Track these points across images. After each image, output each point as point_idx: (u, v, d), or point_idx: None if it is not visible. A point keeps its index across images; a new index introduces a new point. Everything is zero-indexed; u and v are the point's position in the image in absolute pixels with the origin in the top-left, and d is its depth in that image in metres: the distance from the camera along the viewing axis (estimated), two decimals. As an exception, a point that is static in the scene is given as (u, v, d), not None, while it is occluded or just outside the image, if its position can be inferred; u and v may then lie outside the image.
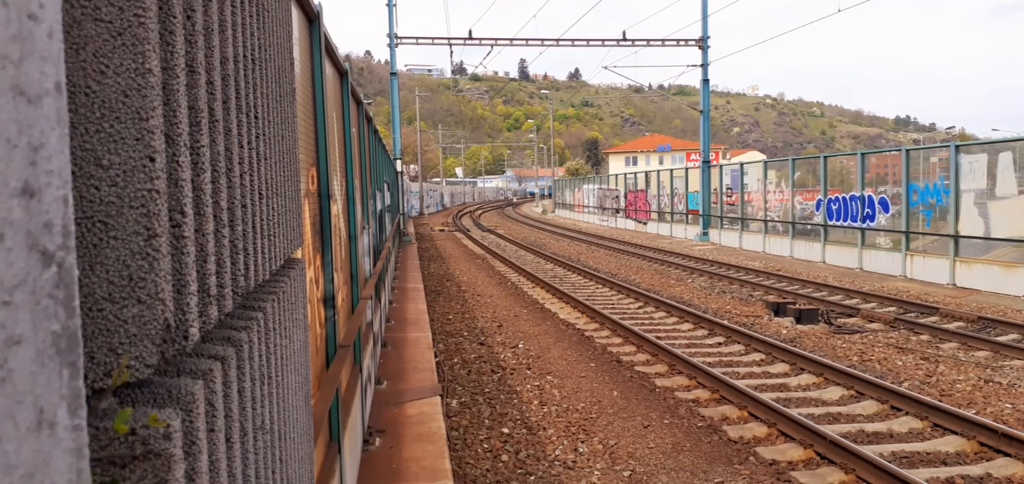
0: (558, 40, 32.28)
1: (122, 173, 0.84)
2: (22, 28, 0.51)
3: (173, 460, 0.81)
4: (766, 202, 24.92)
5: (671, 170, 34.34)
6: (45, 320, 0.52)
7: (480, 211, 67.13)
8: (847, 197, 20.40)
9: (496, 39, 31.47)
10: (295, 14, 3.47)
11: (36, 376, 0.51)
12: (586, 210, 49.54)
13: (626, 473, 6.36)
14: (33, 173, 0.52)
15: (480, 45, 31.83)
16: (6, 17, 0.49)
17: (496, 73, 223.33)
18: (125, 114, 0.84)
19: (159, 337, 0.85)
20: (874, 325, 12.21)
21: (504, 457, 6.71)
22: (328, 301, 4.30)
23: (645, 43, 31.65)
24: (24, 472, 0.49)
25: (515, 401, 8.37)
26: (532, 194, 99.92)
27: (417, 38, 31.58)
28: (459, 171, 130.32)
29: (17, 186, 0.50)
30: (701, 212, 29.72)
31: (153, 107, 0.86)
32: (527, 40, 32.44)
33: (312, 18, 4.26)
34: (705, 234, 29.25)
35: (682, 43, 31.30)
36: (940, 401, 7.85)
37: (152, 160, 0.85)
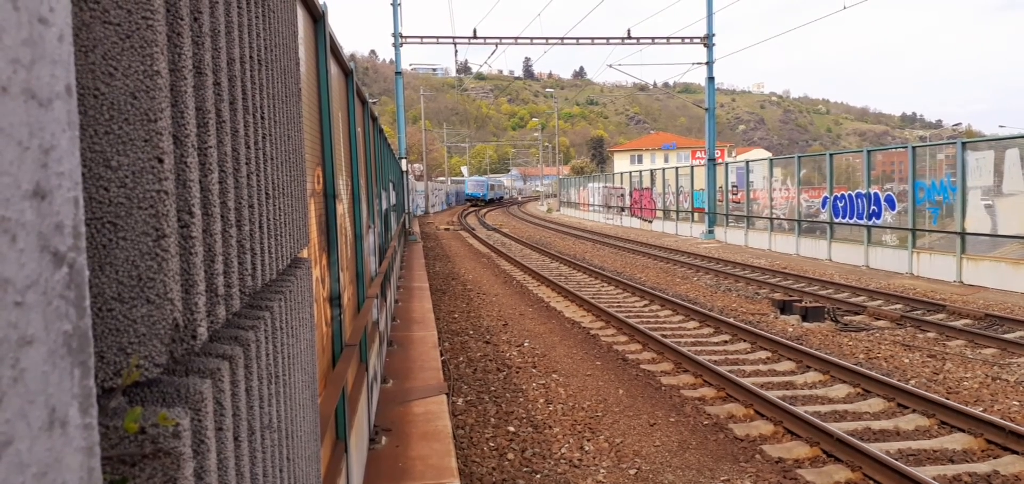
0: (563, 39, 32.27)
1: (131, 174, 0.85)
2: (33, 32, 0.51)
3: (182, 458, 0.81)
4: (772, 200, 24.86)
5: (676, 168, 34.26)
6: (57, 320, 0.53)
7: (485, 210, 67.19)
8: (853, 195, 20.32)
9: (501, 38, 31.46)
10: (300, 14, 3.48)
11: (48, 376, 0.51)
12: (591, 209, 49.49)
13: (632, 471, 6.36)
14: (44, 175, 0.52)
15: (485, 44, 31.84)
16: (17, 21, 0.49)
17: (501, 72, 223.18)
18: (134, 116, 0.85)
19: (168, 336, 0.86)
20: (880, 323, 12.17)
21: (510, 455, 6.71)
22: (334, 300, 4.31)
23: (650, 41, 31.60)
24: (37, 470, 0.49)
25: (521, 399, 8.38)
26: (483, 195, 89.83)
27: (422, 37, 31.59)
28: (465, 170, 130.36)
29: (29, 188, 0.50)
30: (707, 210, 29.67)
31: (161, 109, 0.87)
32: (532, 39, 32.43)
33: (317, 18, 4.26)
34: (711, 232, 29.20)
35: (687, 41, 31.25)
36: (947, 399, 7.82)
37: (160, 161, 0.86)
